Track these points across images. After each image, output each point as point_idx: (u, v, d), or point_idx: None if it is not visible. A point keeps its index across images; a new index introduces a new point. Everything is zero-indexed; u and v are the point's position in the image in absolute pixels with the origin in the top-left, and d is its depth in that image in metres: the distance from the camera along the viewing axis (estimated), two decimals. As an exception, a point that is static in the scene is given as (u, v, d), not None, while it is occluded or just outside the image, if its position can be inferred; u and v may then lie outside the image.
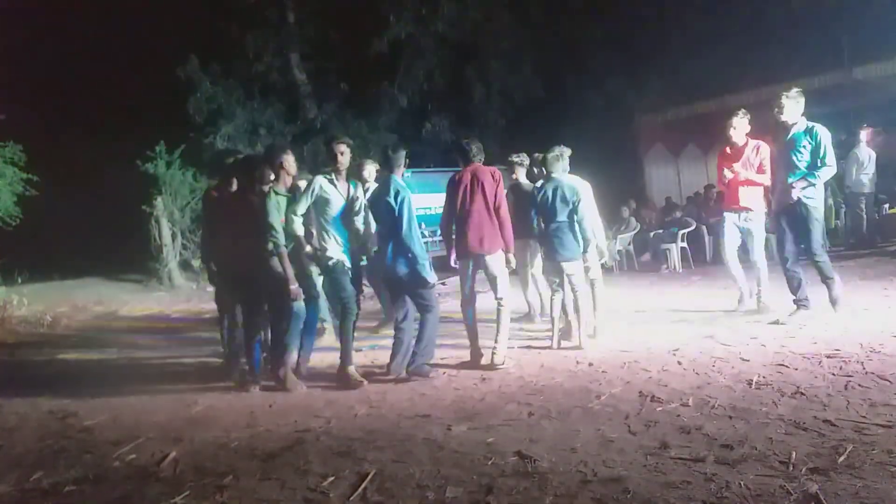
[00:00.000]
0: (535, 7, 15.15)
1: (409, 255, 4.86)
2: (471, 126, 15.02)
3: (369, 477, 3.09)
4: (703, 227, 10.85)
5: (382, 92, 14.40)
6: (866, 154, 9.78)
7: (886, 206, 10.31)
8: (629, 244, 11.32)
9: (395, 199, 4.83)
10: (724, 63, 12.46)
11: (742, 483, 2.70)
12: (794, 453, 2.95)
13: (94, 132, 14.23)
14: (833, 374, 4.12)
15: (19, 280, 10.08)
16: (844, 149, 10.10)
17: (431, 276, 4.96)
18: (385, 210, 4.91)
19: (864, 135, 9.96)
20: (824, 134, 5.58)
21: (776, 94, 5.73)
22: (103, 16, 14.40)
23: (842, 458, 2.86)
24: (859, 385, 3.85)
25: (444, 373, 5.13)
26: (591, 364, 4.98)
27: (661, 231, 11.03)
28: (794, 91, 5.67)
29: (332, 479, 3.13)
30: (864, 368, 4.17)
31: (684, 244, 10.50)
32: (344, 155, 5.09)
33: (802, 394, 3.80)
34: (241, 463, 3.45)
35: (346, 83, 14.35)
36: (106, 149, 13.55)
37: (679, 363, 4.74)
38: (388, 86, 14.41)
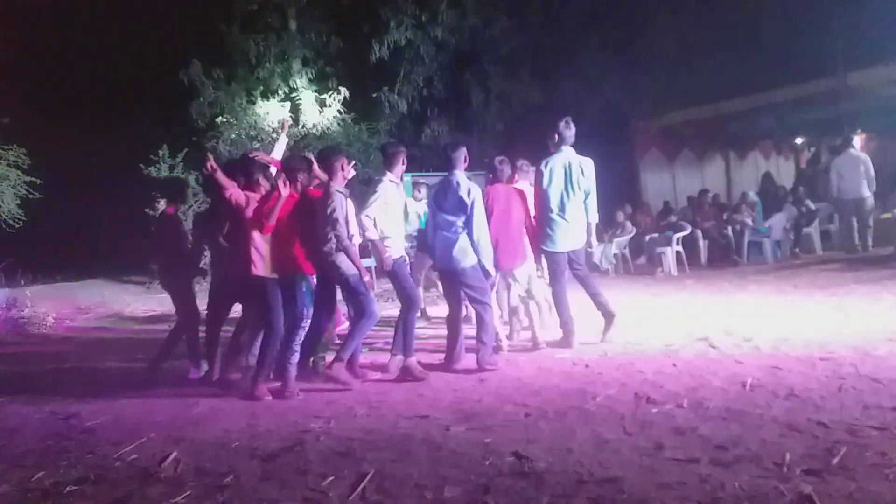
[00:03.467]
0: (534, 14, 15.21)
1: (476, 248, 5.11)
2: (470, 131, 15.05)
3: (368, 477, 3.11)
4: (698, 231, 10.92)
5: (382, 97, 14.42)
6: (851, 161, 9.72)
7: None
8: (625, 248, 11.41)
9: (468, 194, 5.09)
10: (719, 69, 12.50)
11: (736, 484, 2.73)
12: (787, 455, 2.97)
13: (98, 135, 14.26)
14: (827, 377, 4.16)
15: (22, 282, 10.06)
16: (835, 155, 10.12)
17: (493, 269, 5.29)
18: (456, 205, 5.13)
19: (856, 141, 9.94)
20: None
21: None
22: (106, 20, 14.44)
23: (835, 460, 2.89)
24: (853, 387, 3.89)
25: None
26: (587, 366, 5.01)
27: (656, 235, 11.08)
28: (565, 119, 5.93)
29: (331, 478, 3.15)
30: (857, 371, 4.20)
31: (679, 248, 10.56)
32: (405, 164, 5.46)
33: (796, 396, 3.83)
34: (241, 463, 3.47)
35: (346, 88, 14.37)
36: (109, 152, 13.57)
37: (674, 365, 4.78)
38: (387, 91, 14.43)
